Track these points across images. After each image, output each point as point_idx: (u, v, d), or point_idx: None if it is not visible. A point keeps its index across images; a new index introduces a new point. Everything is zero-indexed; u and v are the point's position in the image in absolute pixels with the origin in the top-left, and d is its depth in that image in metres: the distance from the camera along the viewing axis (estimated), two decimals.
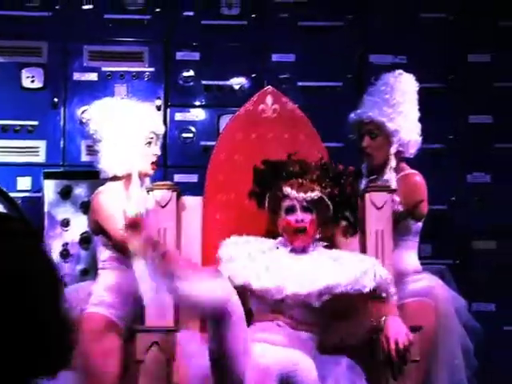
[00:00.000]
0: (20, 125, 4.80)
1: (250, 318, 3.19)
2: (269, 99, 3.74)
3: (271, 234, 3.50)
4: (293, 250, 3.34)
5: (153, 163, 3.86)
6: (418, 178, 3.88)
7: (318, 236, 3.38)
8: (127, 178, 3.76)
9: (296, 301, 3.18)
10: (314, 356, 3.18)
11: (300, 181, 3.36)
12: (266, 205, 3.45)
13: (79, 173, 4.67)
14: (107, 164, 3.80)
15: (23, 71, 4.80)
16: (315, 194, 3.33)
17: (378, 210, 3.50)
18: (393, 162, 3.83)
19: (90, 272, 4.49)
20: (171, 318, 3.28)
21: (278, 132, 3.71)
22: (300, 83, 4.89)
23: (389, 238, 3.48)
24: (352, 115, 3.92)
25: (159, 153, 3.91)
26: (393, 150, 3.83)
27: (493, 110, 4.89)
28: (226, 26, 4.99)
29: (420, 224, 3.88)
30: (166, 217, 3.49)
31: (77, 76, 4.90)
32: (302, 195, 3.33)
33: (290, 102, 3.76)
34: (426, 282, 3.79)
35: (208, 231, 3.63)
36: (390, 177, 3.81)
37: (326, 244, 3.40)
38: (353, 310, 3.29)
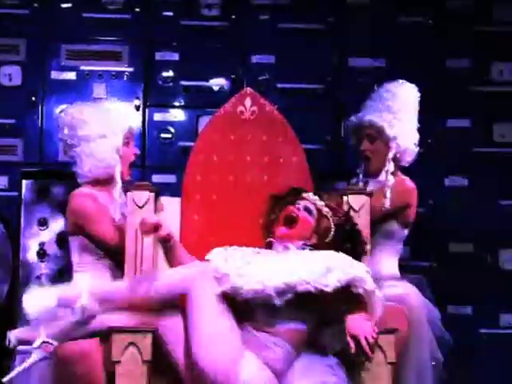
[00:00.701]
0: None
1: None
2: (248, 101, 3.74)
3: (251, 237, 3.50)
4: (274, 248, 3.33)
5: (130, 164, 3.87)
6: (410, 183, 3.94)
7: (307, 243, 3.36)
8: (108, 180, 3.77)
9: (257, 300, 3.14)
10: (292, 360, 3.16)
11: (319, 197, 3.41)
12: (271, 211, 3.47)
13: (57, 172, 4.66)
14: (88, 168, 3.76)
15: (1, 69, 4.77)
16: (325, 210, 3.36)
17: (355, 213, 3.50)
18: (390, 167, 3.88)
19: (66, 273, 4.48)
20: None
21: (257, 134, 3.71)
22: (279, 85, 4.90)
23: (366, 240, 3.48)
24: (353, 118, 4.00)
25: (138, 152, 3.93)
26: (390, 155, 3.89)
27: (471, 114, 4.91)
28: (206, 26, 4.99)
29: (405, 231, 3.93)
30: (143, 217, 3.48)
31: (55, 75, 4.90)
32: (315, 200, 3.37)
33: (268, 103, 3.75)
34: (400, 289, 3.79)
35: (186, 232, 3.61)
36: (386, 180, 3.87)
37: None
38: (325, 312, 3.21)
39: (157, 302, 3.10)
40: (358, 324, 3.08)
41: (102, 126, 3.76)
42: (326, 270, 3.09)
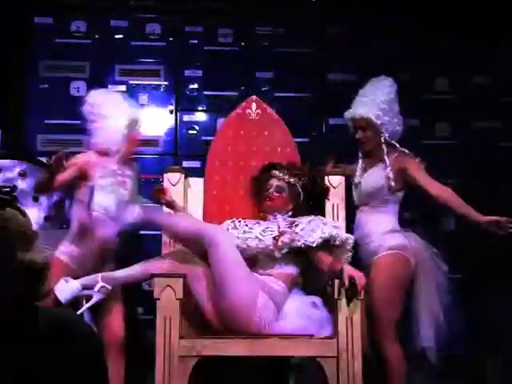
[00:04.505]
0: (67, 124, 4.77)
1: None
2: (253, 105, 3.73)
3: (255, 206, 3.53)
4: (264, 218, 3.38)
5: (135, 144, 3.73)
6: (409, 157, 3.65)
7: (288, 210, 3.38)
8: (111, 152, 3.62)
9: (260, 254, 3.18)
10: (286, 297, 3.18)
11: (285, 171, 3.40)
12: (256, 186, 3.49)
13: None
14: (100, 139, 3.61)
15: (71, 83, 4.79)
16: (292, 180, 3.37)
17: (334, 189, 3.51)
18: (384, 148, 3.62)
19: None
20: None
21: (260, 130, 3.71)
22: (276, 94, 4.89)
23: (342, 209, 3.49)
24: (346, 113, 3.66)
25: (139, 137, 3.76)
26: (382, 139, 3.61)
27: (420, 115, 4.89)
28: (222, 51, 4.98)
29: (400, 194, 3.63)
30: (176, 193, 3.49)
31: (110, 87, 4.87)
32: (282, 176, 3.37)
33: (269, 107, 3.76)
34: (401, 238, 3.51)
35: (208, 204, 3.62)
36: (387, 161, 3.60)
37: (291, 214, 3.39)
38: (313, 261, 3.25)
39: (184, 235, 3.12)
40: (354, 270, 3.05)
41: (115, 111, 3.62)
42: (311, 231, 3.16)
